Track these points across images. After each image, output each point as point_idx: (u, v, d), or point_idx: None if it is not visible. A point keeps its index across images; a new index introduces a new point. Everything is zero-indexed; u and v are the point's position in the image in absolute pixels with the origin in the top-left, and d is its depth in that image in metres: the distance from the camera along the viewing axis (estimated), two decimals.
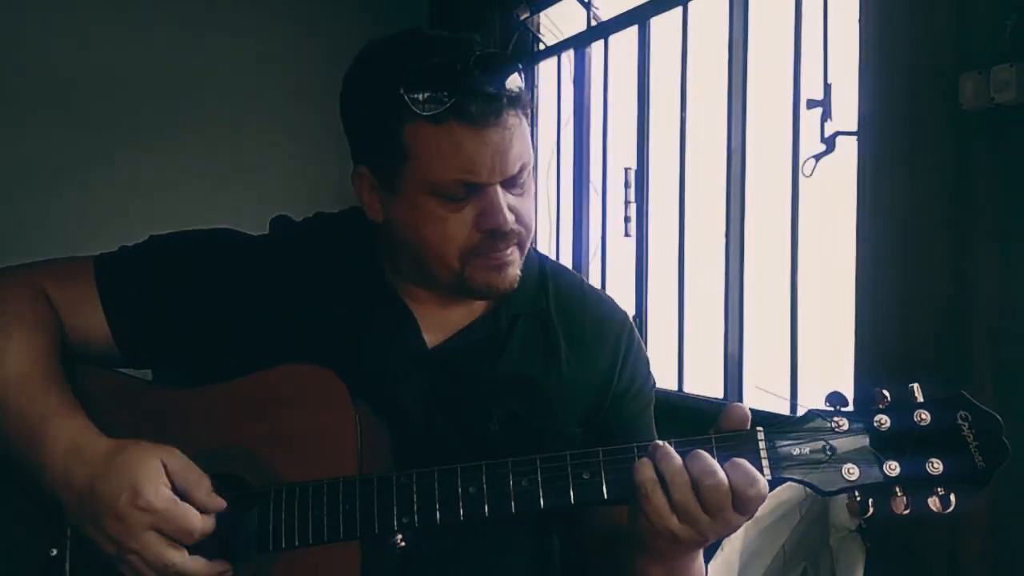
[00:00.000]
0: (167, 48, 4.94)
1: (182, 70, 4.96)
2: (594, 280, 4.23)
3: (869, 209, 2.54)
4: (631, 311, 3.83)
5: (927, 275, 2.36)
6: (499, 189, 1.19)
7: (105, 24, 4.87)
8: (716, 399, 3.39)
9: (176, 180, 4.88)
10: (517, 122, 1.19)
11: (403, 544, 1.15)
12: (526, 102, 1.21)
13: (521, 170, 1.21)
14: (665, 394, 3.68)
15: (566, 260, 4.41)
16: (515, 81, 1.19)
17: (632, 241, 3.90)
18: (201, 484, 1.15)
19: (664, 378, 3.72)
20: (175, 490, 1.15)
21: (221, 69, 5.03)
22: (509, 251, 1.23)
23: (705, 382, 3.53)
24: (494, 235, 1.20)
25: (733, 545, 2.47)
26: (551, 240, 4.63)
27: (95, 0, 4.92)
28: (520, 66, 1.22)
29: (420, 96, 1.16)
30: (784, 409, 3.07)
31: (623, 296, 3.93)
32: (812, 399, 3.06)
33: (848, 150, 2.66)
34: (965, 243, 2.26)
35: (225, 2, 5.10)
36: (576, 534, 1.37)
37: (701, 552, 1.22)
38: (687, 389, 3.61)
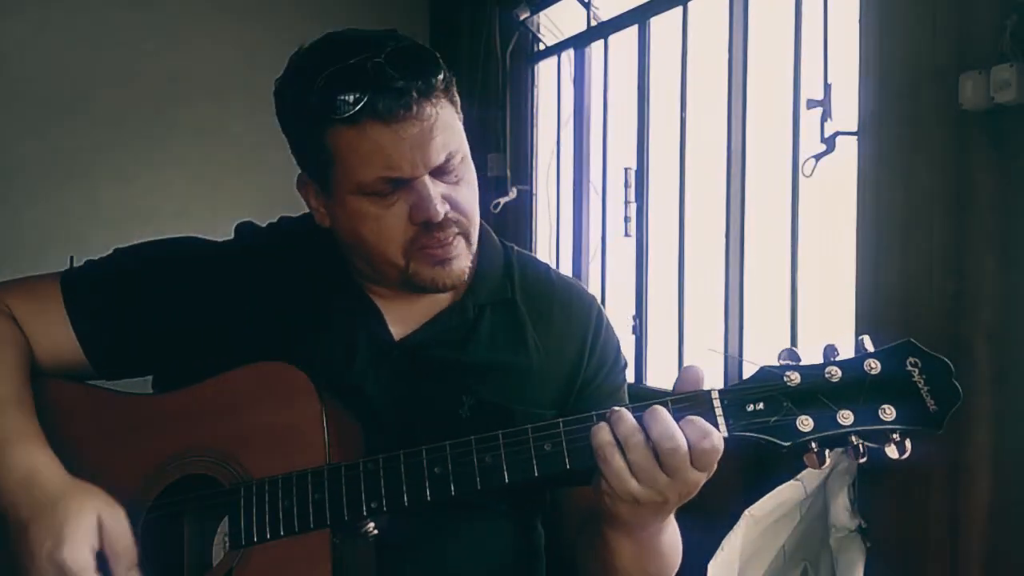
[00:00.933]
0: (167, 48, 4.94)
1: (182, 70, 4.96)
2: (594, 280, 4.23)
3: (869, 209, 2.54)
4: (631, 311, 3.85)
5: (927, 275, 2.36)
6: (428, 180, 1.20)
7: (105, 24, 4.87)
8: None
9: (177, 180, 4.89)
10: (435, 112, 1.18)
11: (375, 532, 1.16)
12: (445, 89, 1.20)
13: (449, 159, 1.21)
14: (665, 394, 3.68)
15: (566, 260, 4.42)
16: (428, 71, 1.18)
17: (632, 241, 3.90)
18: (124, 557, 1.15)
19: (664, 378, 3.71)
20: (102, 551, 1.14)
21: (221, 69, 5.03)
22: (452, 242, 1.23)
23: (705, 382, 3.52)
24: (429, 226, 1.21)
25: (733, 545, 2.47)
26: (551, 240, 4.62)
27: (94, 0, 4.92)
28: (436, 55, 1.22)
29: (334, 101, 1.16)
30: None
31: (623, 296, 3.94)
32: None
33: (848, 150, 2.66)
34: (965, 243, 2.26)
35: (226, 2, 5.10)
36: (558, 521, 1.38)
37: (670, 529, 1.23)
38: None
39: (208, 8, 5.04)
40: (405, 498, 1.13)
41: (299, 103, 1.21)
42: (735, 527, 2.46)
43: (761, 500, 2.46)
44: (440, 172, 1.21)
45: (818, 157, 2.80)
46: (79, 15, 4.84)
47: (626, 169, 3.91)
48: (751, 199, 3.32)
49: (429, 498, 1.13)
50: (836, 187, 2.81)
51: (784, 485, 2.47)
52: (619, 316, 3.74)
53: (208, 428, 1.21)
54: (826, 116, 2.76)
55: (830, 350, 1.11)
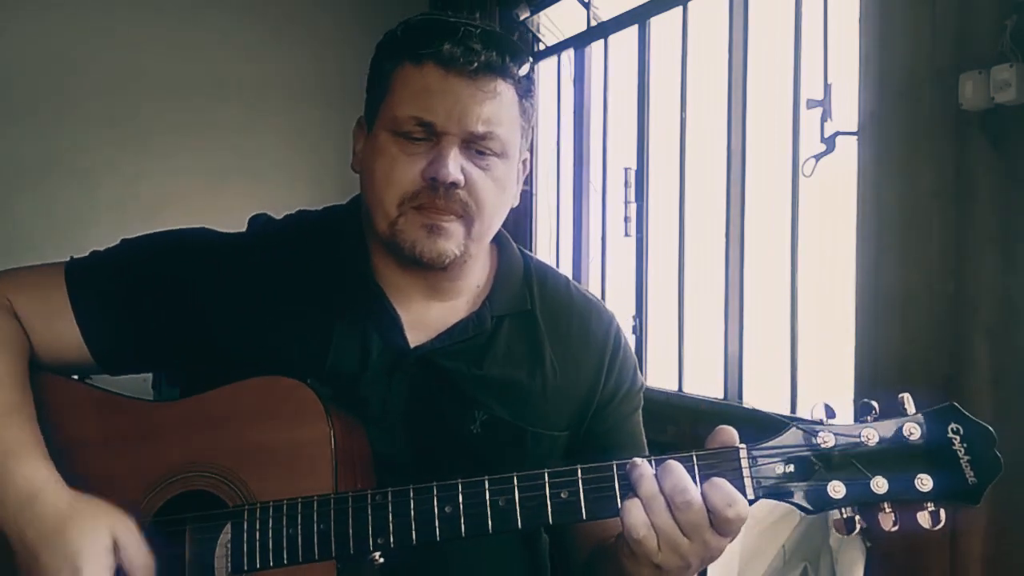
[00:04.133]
0: (167, 48, 4.94)
1: (182, 70, 4.96)
2: (594, 280, 4.24)
3: (869, 209, 2.54)
4: (631, 311, 3.86)
5: (927, 275, 2.36)
6: (456, 145, 1.18)
7: (106, 24, 4.87)
8: (716, 399, 3.39)
9: (177, 179, 4.89)
10: (494, 89, 1.18)
11: (381, 561, 1.13)
12: (518, 82, 1.21)
13: (486, 137, 1.18)
14: (665, 394, 3.69)
15: (566, 260, 4.42)
16: (506, 52, 1.19)
17: (632, 241, 3.90)
18: (143, 572, 1.12)
19: (664, 378, 3.72)
20: (120, 568, 1.11)
21: (220, 68, 5.03)
22: (448, 218, 1.19)
23: (705, 382, 3.53)
24: (435, 186, 1.17)
25: (733, 545, 2.47)
26: (551, 240, 4.63)
27: (95, 1, 4.92)
28: (528, 55, 1.24)
29: (412, 38, 1.20)
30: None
31: (623, 296, 3.94)
32: (812, 399, 3.04)
33: (848, 150, 2.66)
34: (965, 243, 2.26)
35: (226, 1, 5.10)
36: (562, 541, 1.35)
37: None
38: (687, 389, 3.61)
39: (208, 8, 5.04)
40: (414, 536, 1.09)
41: (388, 39, 1.24)
42: None
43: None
44: (472, 146, 1.19)
45: (818, 157, 2.80)
46: (79, 16, 4.84)
47: (626, 169, 3.91)
48: (751, 199, 3.32)
49: (439, 538, 1.09)
50: (836, 187, 2.81)
51: None
52: (619, 316, 3.74)
53: (213, 443, 1.17)
54: (826, 116, 2.76)
55: (865, 408, 1.05)
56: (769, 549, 2.57)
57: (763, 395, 3.27)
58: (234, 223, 1.39)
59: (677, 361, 3.65)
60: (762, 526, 2.51)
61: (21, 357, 1.23)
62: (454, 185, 1.17)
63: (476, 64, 1.16)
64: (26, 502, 1.12)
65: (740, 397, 3.32)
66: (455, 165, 1.17)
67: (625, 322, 3.84)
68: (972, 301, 2.24)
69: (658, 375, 3.82)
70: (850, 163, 2.62)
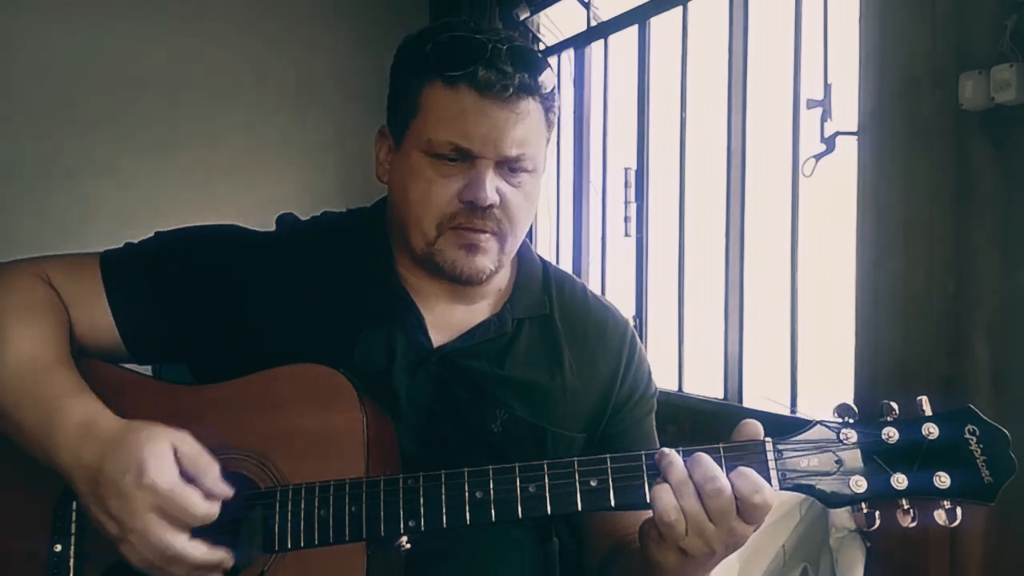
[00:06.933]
0: (166, 50, 4.94)
1: (181, 72, 4.96)
2: (594, 280, 4.24)
3: (869, 209, 2.54)
4: (631, 311, 3.86)
5: (927, 275, 2.36)
6: (491, 168, 1.21)
7: (106, 24, 4.87)
8: (716, 399, 3.39)
9: (177, 179, 4.89)
10: (527, 110, 1.21)
11: (408, 546, 1.15)
12: (544, 98, 1.23)
13: (519, 159, 1.22)
14: (665, 394, 3.66)
15: (566, 260, 4.42)
16: (537, 72, 1.22)
17: (632, 241, 3.90)
18: (209, 471, 1.14)
19: (664, 378, 3.72)
20: (183, 474, 1.13)
21: (220, 68, 5.03)
22: (484, 236, 1.23)
23: (705, 382, 3.54)
24: (472, 208, 1.21)
25: None
26: (551, 240, 4.63)
27: (94, 2, 4.92)
28: (552, 70, 1.25)
29: (444, 56, 1.21)
30: (784, 411, 3.07)
31: (623, 296, 3.94)
32: (812, 400, 3.04)
33: (848, 150, 2.67)
34: (965, 243, 2.26)
35: (225, 2, 5.10)
36: (577, 539, 1.38)
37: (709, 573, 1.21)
38: (687, 389, 3.61)
39: (208, 10, 5.04)
40: (444, 520, 1.12)
41: (415, 51, 1.25)
42: None
43: None
44: (506, 167, 1.22)
45: (818, 157, 2.80)
46: (79, 17, 4.84)
47: (626, 169, 3.92)
48: (751, 199, 3.33)
49: (468, 522, 1.12)
50: (836, 187, 2.81)
51: None
52: None
53: (246, 426, 1.20)
54: (826, 116, 2.76)
55: (886, 408, 1.10)
56: (769, 549, 2.57)
57: (763, 397, 3.27)
58: (233, 223, 1.40)
59: (677, 361, 3.65)
60: (762, 526, 2.50)
61: (64, 324, 1.27)
62: (491, 207, 1.21)
63: (511, 89, 1.19)
64: (84, 428, 1.15)
65: (740, 397, 3.32)
66: (491, 188, 1.21)
67: None
68: (972, 301, 2.25)
69: (658, 375, 3.78)
70: (850, 163, 2.62)
